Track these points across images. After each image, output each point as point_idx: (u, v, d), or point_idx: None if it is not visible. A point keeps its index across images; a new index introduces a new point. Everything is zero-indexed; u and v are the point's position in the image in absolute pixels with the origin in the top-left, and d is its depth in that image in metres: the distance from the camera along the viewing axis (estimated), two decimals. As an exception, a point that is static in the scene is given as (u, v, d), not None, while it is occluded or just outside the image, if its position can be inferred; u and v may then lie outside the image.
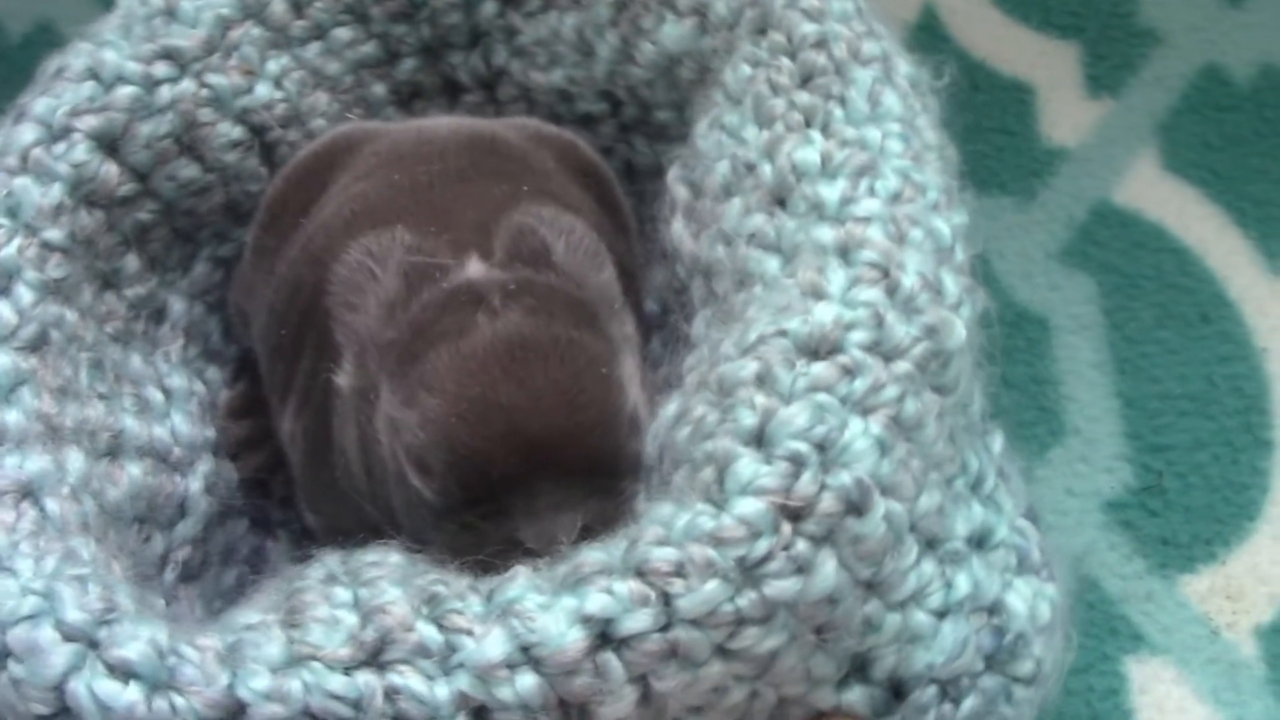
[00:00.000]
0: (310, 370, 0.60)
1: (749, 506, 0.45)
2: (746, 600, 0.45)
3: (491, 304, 0.52)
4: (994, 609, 0.52)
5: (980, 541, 0.53)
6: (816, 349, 0.49)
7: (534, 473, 0.49)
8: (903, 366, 0.49)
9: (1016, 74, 0.93)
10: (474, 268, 0.55)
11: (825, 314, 0.49)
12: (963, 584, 0.51)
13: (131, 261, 0.63)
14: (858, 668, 0.50)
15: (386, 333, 0.53)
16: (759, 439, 0.47)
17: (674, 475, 0.50)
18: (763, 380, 0.48)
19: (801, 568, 0.45)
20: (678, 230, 0.60)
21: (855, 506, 0.46)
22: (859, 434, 0.47)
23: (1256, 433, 0.79)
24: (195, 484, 0.63)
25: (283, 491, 0.68)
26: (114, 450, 0.58)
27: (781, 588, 0.45)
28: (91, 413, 0.57)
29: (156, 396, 0.63)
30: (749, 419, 0.47)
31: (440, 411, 0.50)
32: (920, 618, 0.50)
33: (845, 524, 0.46)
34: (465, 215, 0.58)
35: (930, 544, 0.51)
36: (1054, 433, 0.79)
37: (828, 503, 0.46)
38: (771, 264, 0.54)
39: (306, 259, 0.61)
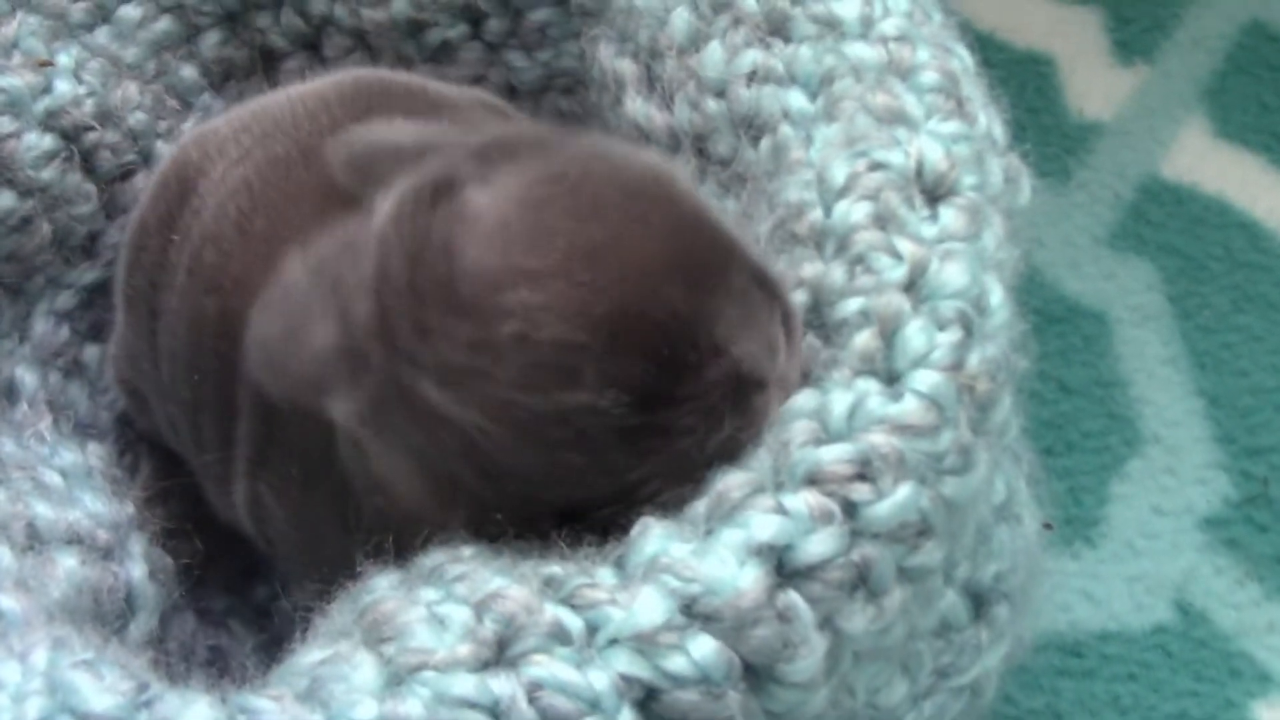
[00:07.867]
0: (257, 412, 0.52)
1: (930, 383, 0.40)
2: (927, 503, 0.39)
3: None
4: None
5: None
6: (932, 189, 0.44)
7: None
8: (1002, 218, 0.45)
9: (1031, 45, 0.91)
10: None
11: (931, 149, 0.44)
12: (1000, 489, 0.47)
13: None
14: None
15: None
16: (912, 294, 0.41)
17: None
18: (885, 222, 0.43)
19: (968, 463, 0.40)
20: (637, 108, 0.56)
21: (1000, 388, 0.41)
22: (999, 299, 0.42)
23: (1371, 423, 0.77)
24: (136, 570, 0.57)
25: (223, 578, 0.63)
26: (34, 541, 0.52)
27: (955, 486, 0.40)
28: None
29: (54, 479, 0.57)
30: (895, 271, 0.41)
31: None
32: (987, 520, 0.46)
33: (991, 411, 0.41)
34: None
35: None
36: (1129, 442, 0.74)
37: (985, 382, 0.41)
38: (795, 98, 0.49)
39: (200, 285, 0.54)
